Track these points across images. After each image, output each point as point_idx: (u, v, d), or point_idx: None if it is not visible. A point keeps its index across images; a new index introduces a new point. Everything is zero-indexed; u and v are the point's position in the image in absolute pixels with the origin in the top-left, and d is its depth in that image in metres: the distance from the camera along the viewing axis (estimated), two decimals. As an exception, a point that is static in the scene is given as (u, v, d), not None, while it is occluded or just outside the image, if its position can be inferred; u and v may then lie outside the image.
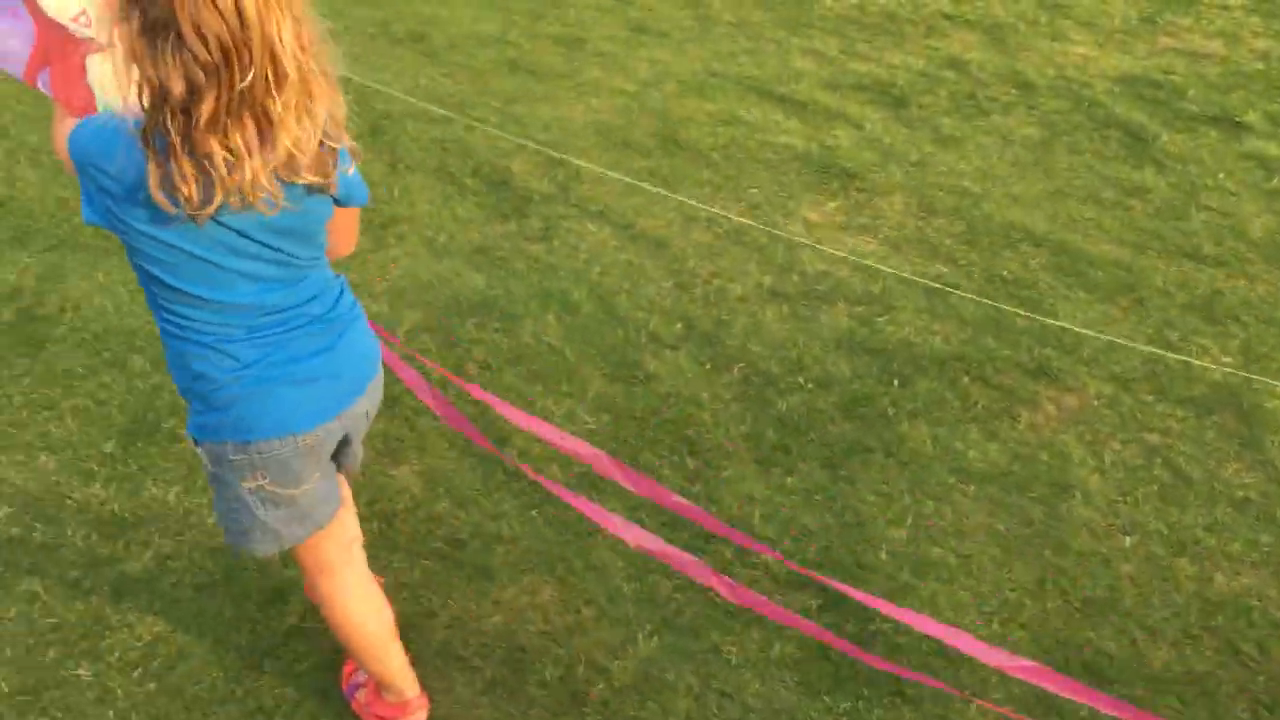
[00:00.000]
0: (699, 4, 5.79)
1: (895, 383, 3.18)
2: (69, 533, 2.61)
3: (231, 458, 1.71)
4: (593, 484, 2.78)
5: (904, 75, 5.00)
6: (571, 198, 4.04)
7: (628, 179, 4.09)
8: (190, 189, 1.40)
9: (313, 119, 1.45)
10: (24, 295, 3.39)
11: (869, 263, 3.67)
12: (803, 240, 3.81)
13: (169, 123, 1.36)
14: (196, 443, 1.74)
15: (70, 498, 2.70)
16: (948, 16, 5.59)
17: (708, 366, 3.23)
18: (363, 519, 2.66)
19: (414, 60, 5.09)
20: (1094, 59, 5.19)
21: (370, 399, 1.85)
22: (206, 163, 1.39)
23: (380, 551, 2.60)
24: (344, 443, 1.87)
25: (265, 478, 1.73)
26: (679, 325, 3.40)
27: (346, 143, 1.55)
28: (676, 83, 4.94)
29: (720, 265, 3.69)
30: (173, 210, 1.42)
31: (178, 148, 1.38)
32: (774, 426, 3.01)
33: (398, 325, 3.33)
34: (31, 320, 3.28)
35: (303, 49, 1.41)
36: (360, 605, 2.03)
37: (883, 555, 2.65)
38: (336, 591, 1.99)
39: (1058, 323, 3.40)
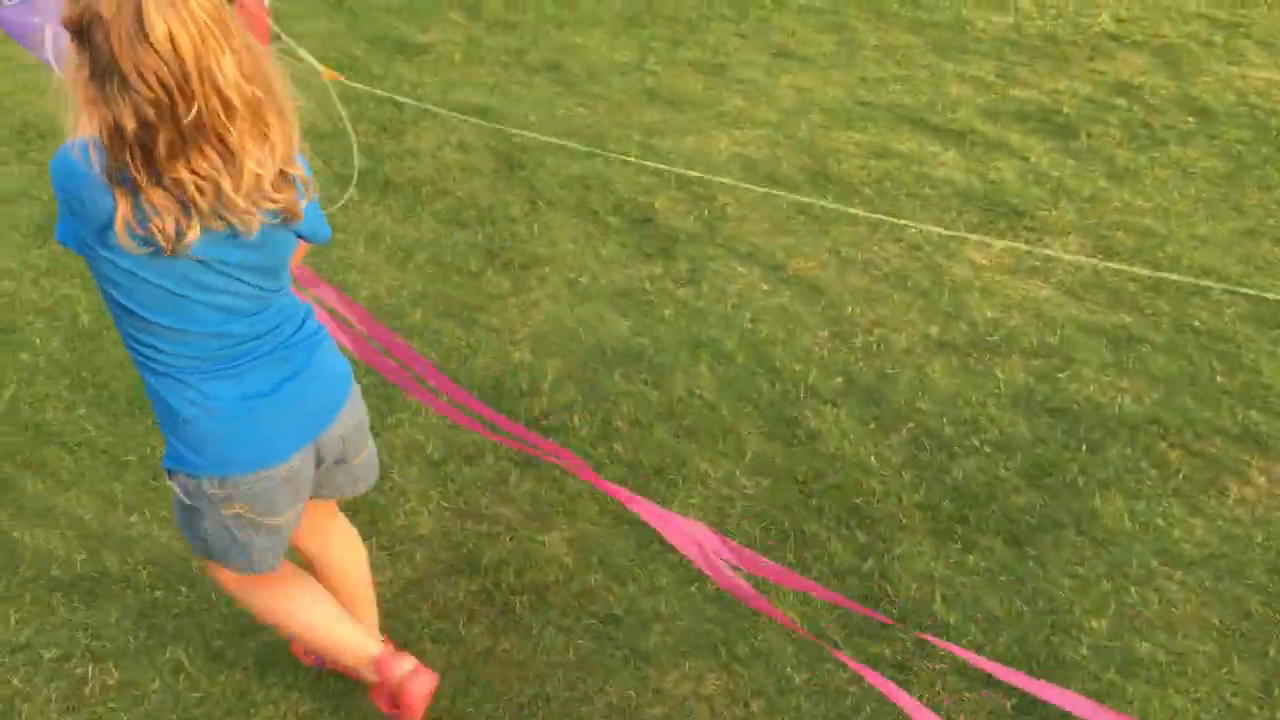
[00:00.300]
0: (843, 27, 5.56)
1: (1083, 448, 2.90)
2: (213, 597, 2.52)
3: (209, 492, 1.74)
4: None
5: (1069, 102, 4.68)
6: (718, 237, 3.85)
7: (777, 216, 3.89)
8: (164, 221, 1.46)
9: (270, 145, 1.50)
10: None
11: (1045, 309, 3.39)
12: (970, 284, 3.55)
13: (130, 158, 1.43)
14: (170, 474, 1.77)
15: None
16: (1113, 37, 5.25)
17: (872, 425, 3.00)
18: (512, 589, 2.52)
19: (550, 90, 4.98)
20: (1278, 83, 4.79)
21: (349, 418, 1.86)
22: (178, 190, 1.45)
23: (533, 626, 2.44)
24: (334, 464, 1.89)
25: (244, 508, 1.77)
26: (839, 379, 3.17)
27: (299, 172, 1.58)
28: (823, 112, 4.71)
29: (880, 312, 3.46)
30: (139, 251, 1.48)
31: (144, 181, 1.44)
32: (950, 496, 2.76)
33: (542, 376, 3.18)
34: (176, 366, 3.23)
35: (247, 79, 1.45)
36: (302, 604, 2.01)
37: (1083, 650, 2.38)
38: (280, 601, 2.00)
39: (1264, 381, 3.07)
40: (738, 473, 2.85)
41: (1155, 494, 2.76)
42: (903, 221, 3.87)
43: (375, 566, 2.59)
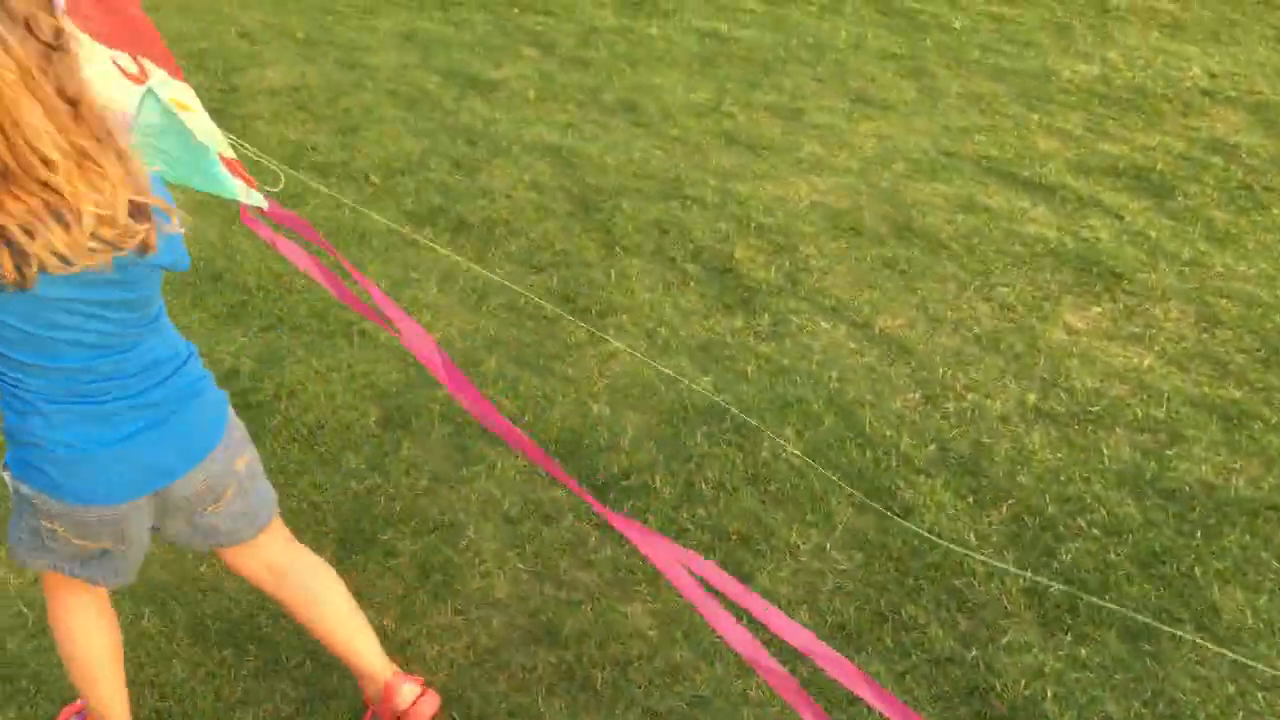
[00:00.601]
0: (922, 73, 5.44)
1: (1198, 534, 2.73)
2: (283, 657, 2.41)
3: (34, 502, 1.76)
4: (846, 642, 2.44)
5: (1163, 159, 4.52)
6: (801, 289, 3.73)
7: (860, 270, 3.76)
8: (3, 259, 1.44)
9: (110, 185, 1.48)
10: (240, 378, 3.26)
11: (1149, 380, 3.22)
12: (1067, 350, 3.39)
13: None
14: (7, 468, 1.78)
15: (284, 615, 2.51)
16: (1206, 92, 5.08)
17: (970, 500, 2.85)
18: (593, 663, 2.39)
19: (626, 130, 4.89)
20: (1384, 144, 4.60)
21: (215, 465, 1.84)
22: (4, 234, 1.44)
23: (616, 705, 2.31)
24: (197, 511, 1.88)
25: (63, 527, 1.79)
26: (932, 447, 3.03)
27: (160, 202, 1.56)
28: (905, 161, 4.59)
29: (973, 376, 3.31)
30: None
31: None
32: (1058, 582, 2.60)
33: (621, 432, 3.06)
34: (248, 407, 3.14)
35: (61, 128, 1.43)
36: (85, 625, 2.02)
37: (1209, 762, 2.21)
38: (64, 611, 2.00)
39: (1389, 468, 2.89)
40: (829, 546, 2.70)
41: (1278, 589, 2.59)
42: (994, 281, 3.73)
43: (449, 631, 2.48)
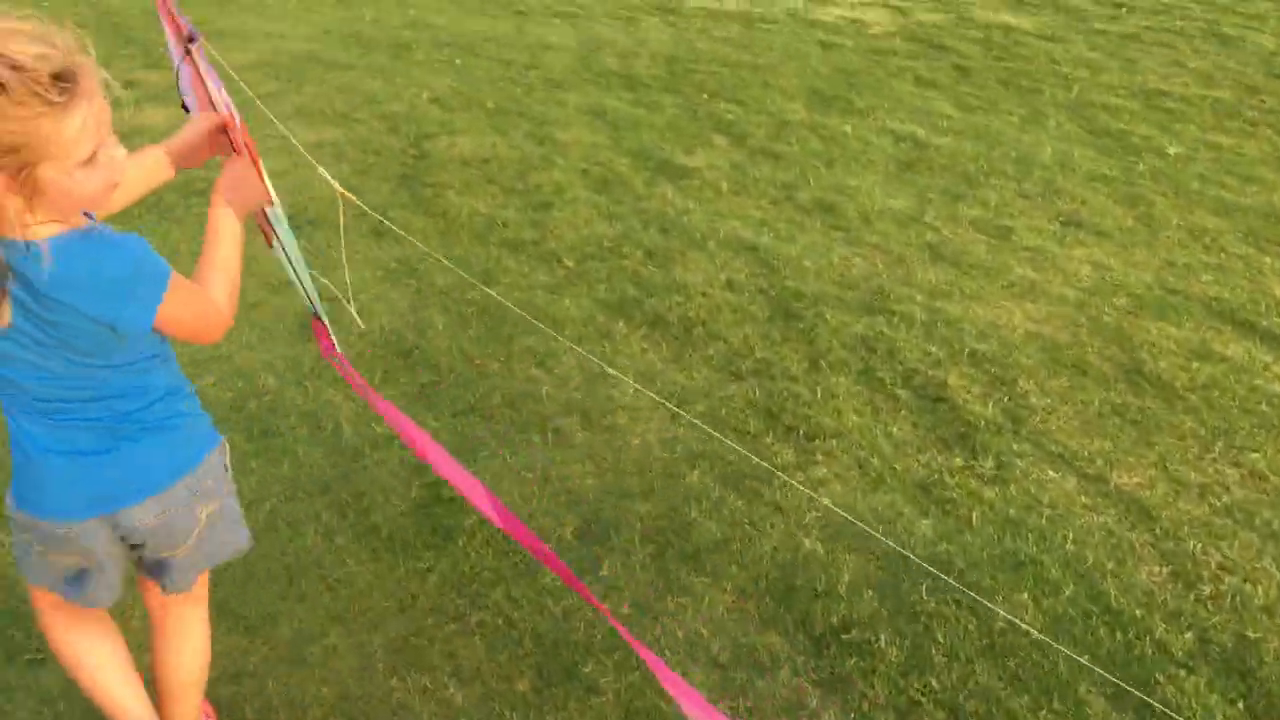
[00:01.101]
0: (1138, 200, 5.13)
1: None
2: None
3: (14, 515, 1.81)
4: None
5: None
6: (1024, 430, 3.44)
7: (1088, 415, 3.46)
8: None
9: None
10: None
11: None
12: (1336, 536, 3.03)
13: None
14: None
15: None
16: None
17: (1241, 706, 2.51)
18: None
19: (824, 234, 4.69)
20: None
21: (156, 516, 1.79)
22: None
23: None
24: (148, 550, 1.85)
25: (37, 541, 1.82)
26: (1189, 634, 2.69)
27: (28, 236, 1.47)
28: (1128, 296, 4.28)
29: (1228, 554, 2.97)
30: None
31: None
32: (1359, 825, 2.25)
33: (838, 576, 2.80)
34: (439, 503, 2.98)
35: None
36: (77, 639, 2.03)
37: None
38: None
39: None
40: (1082, 744, 2.39)
41: None
42: (1240, 444, 3.39)
43: (659, 795, 2.24)
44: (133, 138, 2.24)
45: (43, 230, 1.48)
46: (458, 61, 6.87)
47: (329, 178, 2.04)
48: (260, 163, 1.86)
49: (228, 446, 1.93)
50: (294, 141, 3.47)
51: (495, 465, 3.13)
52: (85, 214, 1.53)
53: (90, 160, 1.47)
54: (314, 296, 2.19)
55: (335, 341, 2.18)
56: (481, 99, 6.15)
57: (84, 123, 1.44)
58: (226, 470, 1.92)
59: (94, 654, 2.04)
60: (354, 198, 1.98)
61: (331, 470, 3.08)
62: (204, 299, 1.71)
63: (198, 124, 1.90)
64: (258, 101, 5.62)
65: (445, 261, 4.17)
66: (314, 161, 2.58)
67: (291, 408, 3.34)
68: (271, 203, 1.91)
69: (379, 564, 2.77)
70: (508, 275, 4.21)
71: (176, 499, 1.80)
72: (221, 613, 2.58)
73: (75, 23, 1.48)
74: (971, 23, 8.45)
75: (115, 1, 7.83)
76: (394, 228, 3.30)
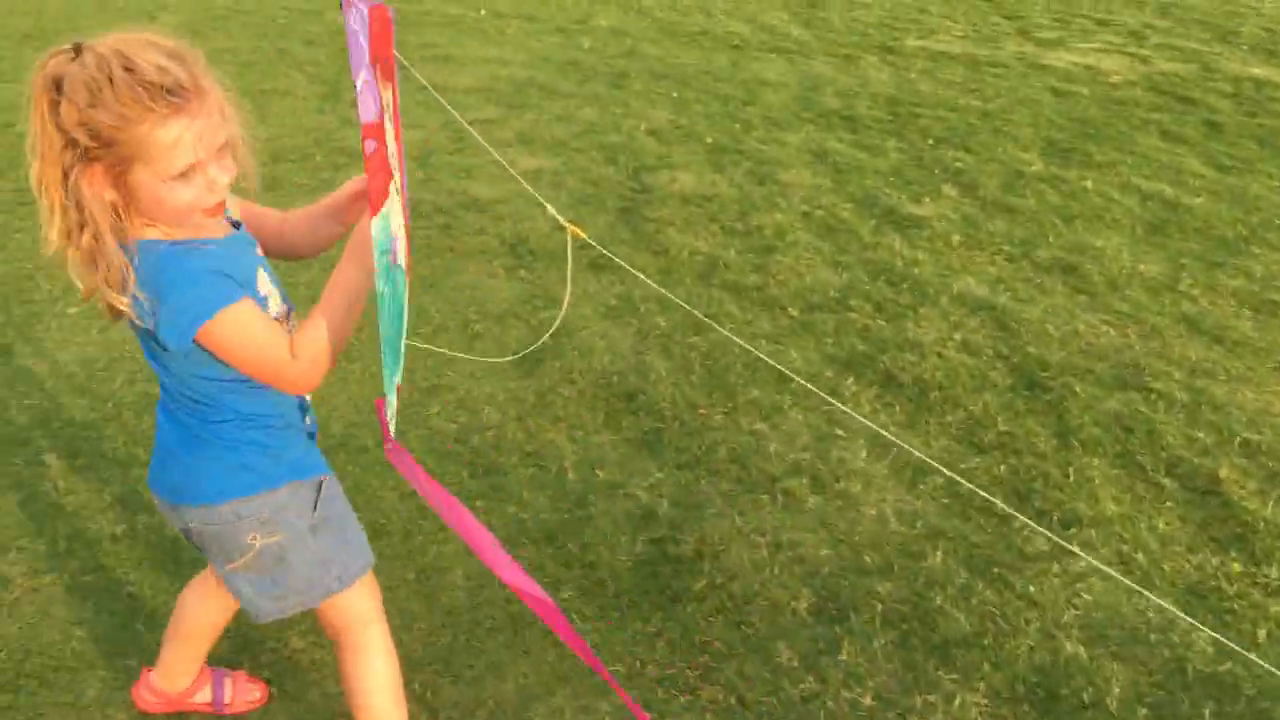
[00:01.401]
0: None
1: None
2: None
3: None
4: None
5: None
6: (1312, 537, 3.05)
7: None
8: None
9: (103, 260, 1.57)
10: (659, 522, 2.97)
11: None
12: None
13: None
14: None
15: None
16: None
17: None
18: None
19: (1067, 296, 4.36)
20: None
21: (196, 519, 1.84)
22: None
23: None
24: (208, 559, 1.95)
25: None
26: None
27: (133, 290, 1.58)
28: None
29: None
30: None
31: None
32: None
33: (1105, 688, 2.51)
34: (667, 560, 2.84)
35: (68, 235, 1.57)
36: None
37: None
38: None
39: None
40: None
41: None
42: None
43: None
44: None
45: (147, 232, 1.59)
46: (674, 94, 6.81)
47: (554, 213, 1.92)
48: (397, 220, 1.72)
49: (326, 485, 1.90)
50: (513, 171, 3.41)
51: (724, 526, 2.97)
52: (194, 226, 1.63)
53: (184, 175, 1.53)
54: (395, 373, 1.87)
55: (391, 428, 1.94)
56: (700, 134, 6.05)
57: (180, 136, 1.50)
58: (314, 509, 1.87)
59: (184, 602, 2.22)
60: (582, 233, 1.85)
61: (556, 517, 2.98)
62: (272, 347, 1.65)
63: (346, 185, 1.91)
64: (472, 129, 5.67)
65: (680, 302, 4.06)
66: (534, 193, 2.45)
67: (514, 446, 3.26)
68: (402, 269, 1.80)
69: (605, 622, 2.63)
70: (730, 320, 4.06)
71: (221, 517, 1.82)
72: (448, 662, 2.49)
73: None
74: (1219, 74, 7.88)
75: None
76: (623, 263, 3.19)
